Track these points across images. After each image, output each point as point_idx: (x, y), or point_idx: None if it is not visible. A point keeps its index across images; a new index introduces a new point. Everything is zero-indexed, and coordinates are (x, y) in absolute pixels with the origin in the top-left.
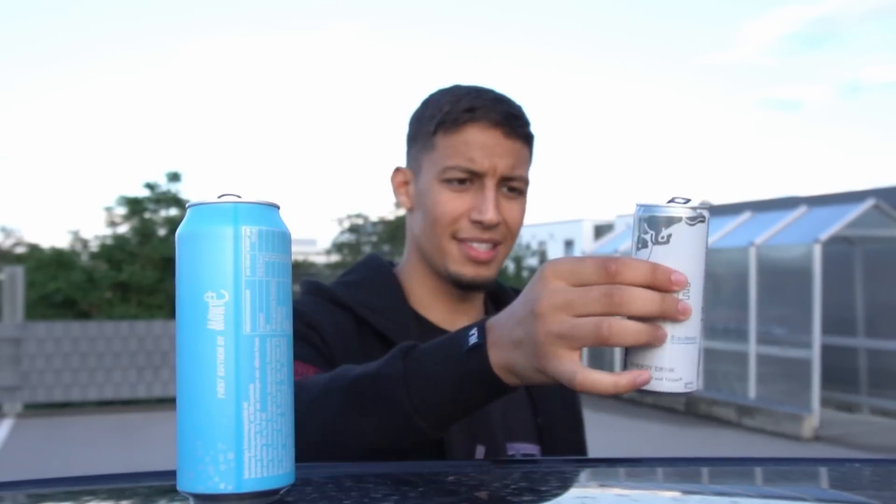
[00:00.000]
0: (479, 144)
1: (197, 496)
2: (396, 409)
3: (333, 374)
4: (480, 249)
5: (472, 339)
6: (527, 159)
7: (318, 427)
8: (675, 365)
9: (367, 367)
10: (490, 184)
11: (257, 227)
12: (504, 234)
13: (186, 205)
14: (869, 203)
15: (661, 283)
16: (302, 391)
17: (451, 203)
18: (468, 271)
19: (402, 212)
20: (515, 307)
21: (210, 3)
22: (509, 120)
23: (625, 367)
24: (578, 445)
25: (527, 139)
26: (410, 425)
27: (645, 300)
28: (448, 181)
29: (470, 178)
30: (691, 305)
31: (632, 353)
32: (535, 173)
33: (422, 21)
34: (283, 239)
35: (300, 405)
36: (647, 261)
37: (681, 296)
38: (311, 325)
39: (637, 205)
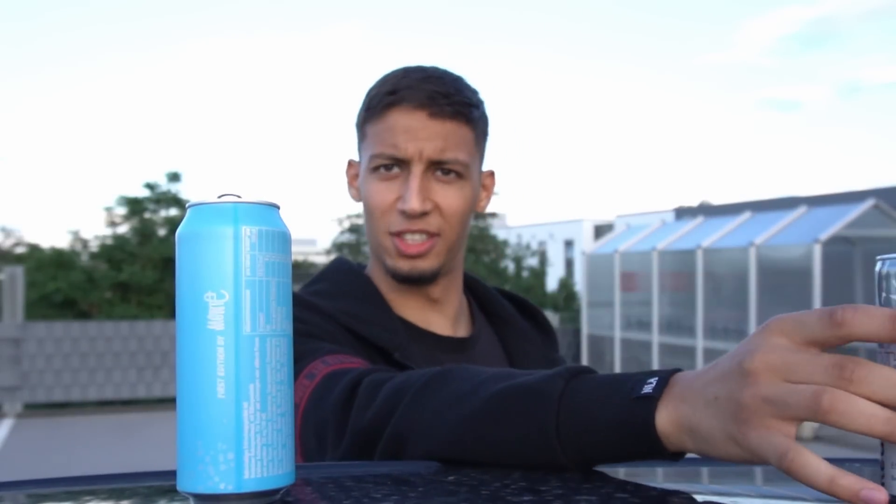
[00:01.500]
0: (402, 129)
1: (197, 496)
2: (539, 430)
3: (478, 375)
4: (411, 242)
5: (647, 389)
6: (464, 139)
7: (448, 425)
8: None
9: (525, 377)
10: (416, 170)
11: (257, 227)
12: (439, 223)
13: (186, 205)
14: (869, 203)
15: None
16: (411, 386)
17: (381, 194)
18: (403, 266)
19: None
20: (721, 360)
21: (210, 5)
22: (435, 99)
23: (882, 466)
24: None
25: (463, 118)
26: (548, 450)
27: (887, 381)
28: (376, 170)
29: (397, 165)
30: None
31: (889, 449)
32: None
33: (423, 21)
34: (284, 239)
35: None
36: (892, 310)
37: None
38: (312, 335)
39: (881, 259)
